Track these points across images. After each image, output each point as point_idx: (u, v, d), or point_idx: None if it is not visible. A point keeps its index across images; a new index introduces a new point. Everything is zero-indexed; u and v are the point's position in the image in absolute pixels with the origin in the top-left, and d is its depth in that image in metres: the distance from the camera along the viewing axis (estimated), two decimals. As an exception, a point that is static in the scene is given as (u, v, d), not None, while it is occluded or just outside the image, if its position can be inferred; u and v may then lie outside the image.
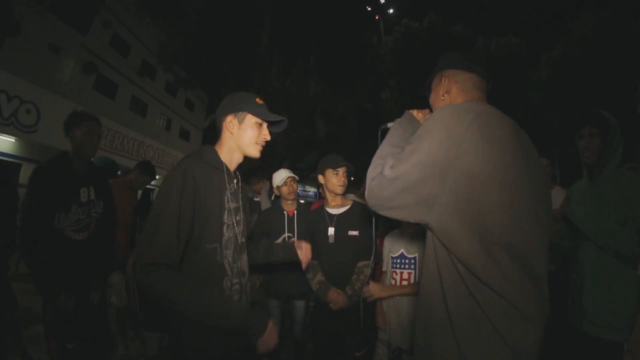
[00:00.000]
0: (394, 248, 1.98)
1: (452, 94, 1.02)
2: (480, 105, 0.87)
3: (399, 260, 1.96)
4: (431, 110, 1.11)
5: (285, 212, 2.36)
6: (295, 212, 2.37)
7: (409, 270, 1.92)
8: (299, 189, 3.58)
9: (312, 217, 2.16)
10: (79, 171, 1.86)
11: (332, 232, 1.99)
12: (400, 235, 2.01)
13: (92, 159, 2.00)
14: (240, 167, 1.29)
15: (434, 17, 15.45)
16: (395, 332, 1.91)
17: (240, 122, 1.20)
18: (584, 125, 1.47)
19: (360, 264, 1.94)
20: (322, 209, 2.11)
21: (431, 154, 0.80)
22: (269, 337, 1.04)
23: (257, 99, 1.22)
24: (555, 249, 1.57)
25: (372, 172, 0.91)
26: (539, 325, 0.81)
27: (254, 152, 1.22)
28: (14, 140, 8.58)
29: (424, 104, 1.18)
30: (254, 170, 3.53)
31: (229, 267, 1.13)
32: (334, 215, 2.04)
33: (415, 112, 1.13)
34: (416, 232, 1.94)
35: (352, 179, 3.49)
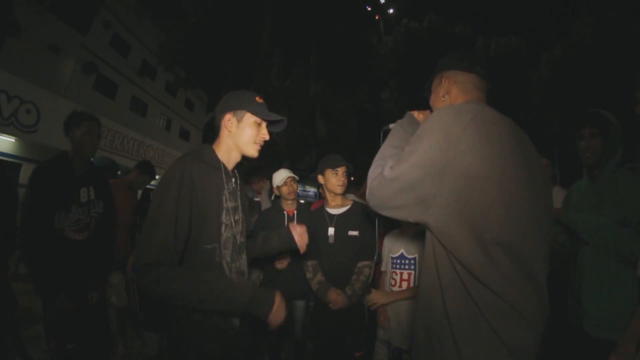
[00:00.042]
0: (393, 248, 1.98)
1: (453, 94, 1.02)
2: (477, 105, 0.87)
3: (398, 261, 1.96)
4: (432, 111, 1.11)
5: (285, 212, 2.36)
6: (295, 212, 2.37)
7: (409, 271, 1.91)
8: (299, 189, 3.58)
9: (312, 217, 2.16)
10: (79, 171, 1.86)
11: (332, 232, 1.99)
12: (400, 235, 2.01)
13: (91, 159, 2.00)
14: (240, 166, 1.28)
15: (434, 17, 15.43)
16: (394, 333, 1.91)
17: (239, 120, 1.18)
18: (585, 125, 1.47)
19: (360, 264, 1.94)
20: (322, 209, 2.11)
21: (429, 154, 0.80)
22: (278, 311, 1.03)
23: (257, 98, 1.21)
24: (555, 253, 1.57)
25: (373, 172, 0.92)
26: (538, 326, 0.81)
27: (252, 151, 1.21)
28: (14, 140, 8.57)
29: (424, 103, 1.18)
30: (255, 170, 3.53)
31: (228, 267, 1.12)
32: (334, 215, 2.04)
33: (416, 113, 1.14)
34: (416, 233, 1.94)
35: (352, 179, 3.49)
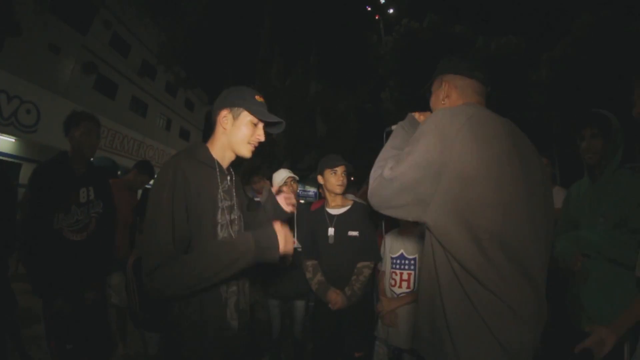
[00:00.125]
0: (393, 248, 1.98)
1: (452, 98, 1.04)
2: (473, 108, 0.89)
3: (398, 261, 1.96)
4: (432, 113, 1.13)
5: (285, 212, 2.36)
6: (295, 212, 2.37)
7: (409, 271, 1.91)
8: (299, 189, 3.58)
9: (312, 217, 2.16)
10: (79, 171, 1.86)
11: (332, 233, 1.99)
12: (399, 235, 2.01)
13: (91, 159, 2.00)
14: (240, 166, 1.25)
15: (434, 17, 15.45)
16: (394, 333, 1.90)
17: (235, 118, 1.13)
18: (585, 126, 1.47)
19: (359, 264, 1.94)
20: (322, 209, 2.11)
21: (426, 155, 0.83)
22: (286, 243, 1.03)
23: (257, 97, 1.16)
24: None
25: (374, 173, 0.94)
26: (535, 326, 0.82)
27: (245, 151, 1.16)
28: (14, 140, 8.58)
29: (424, 103, 1.19)
30: (255, 170, 3.53)
31: None
32: (334, 215, 2.04)
33: (417, 115, 1.15)
34: (417, 233, 1.94)
35: (352, 179, 3.49)
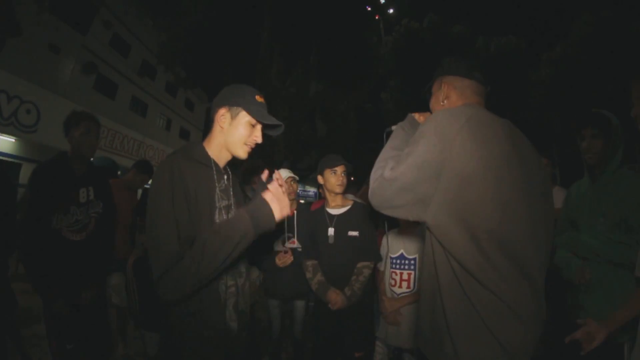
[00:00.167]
0: (393, 248, 1.98)
1: (452, 99, 1.05)
2: (472, 108, 0.90)
3: (398, 261, 1.96)
4: (432, 114, 1.13)
5: (285, 212, 2.36)
6: (295, 212, 2.37)
7: (409, 271, 1.91)
8: (299, 189, 3.58)
9: (312, 217, 2.16)
10: (78, 171, 1.86)
11: (332, 233, 1.99)
12: (399, 235, 2.01)
13: (91, 159, 2.00)
14: (240, 166, 1.23)
15: (434, 17, 15.46)
16: (395, 333, 1.90)
17: (233, 117, 1.10)
18: (586, 126, 1.46)
19: (359, 264, 1.94)
20: (322, 209, 2.11)
21: (426, 155, 0.84)
22: (282, 206, 1.02)
23: (258, 97, 1.13)
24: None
25: (374, 174, 0.95)
26: (534, 325, 0.83)
27: (241, 152, 1.12)
28: (14, 140, 8.58)
29: (423, 103, 1.20)
30: (255, 169, 3.53)
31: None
32: (334, 215, 2.04)
33: (417, 115, 1.16)
34: (417, 233, 1.94)
35: (352, 179, 3.49)
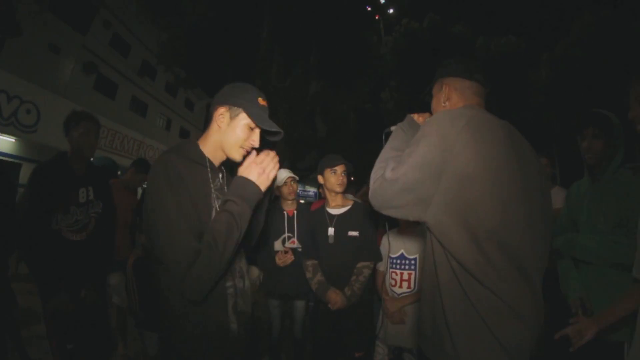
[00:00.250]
0: (393, 248, 1.98)
1: (453, 101, 1.06)
2: (473, 110, 0.91)
3: (398, 261, 1.96)
4: (431, 114, 1.15)
5: (285, 212, 2.36)
6: (295, 212, 2.37)
7: (409, 271, 1.91)
8: (299, 189, 3.58)
9: (313, 217, 2.16)
10: (78, 172, 1.86)
11: (332, 233, 1.99)
12: (399, 235, 2.01)
13: (91, 159, 2.00)
14: (240, 165, 1.19)
15: (434, 17, 15.47)
16: (394, 333, 1.90)
17: (232, 118, 1.06)
18: (587, 126, 1.46)
19: (359, 264, 1.94)
20: (322, 209, 2.11)
21: (427, 156, 0.85)
22: (262, 168, 1.00)
23: (260, 99, 1.09)
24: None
25: (375, 174, 0.96)
26: (532, 324, 0.84)
27: (236, 155, 1.08)
28: (14, 140, 8.58)
29: (423, 103, 1.20)
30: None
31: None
32: (334, 215, 2.04)
33: (416, 116, 1.17)
34: (417, 233, 1.94)
35: (352, 179, 3.49)
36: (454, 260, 0.85)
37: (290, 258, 2.20)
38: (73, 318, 1.74)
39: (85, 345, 1.83)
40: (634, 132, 1.02)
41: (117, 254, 2.21)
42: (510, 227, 0.82)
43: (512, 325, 0.81)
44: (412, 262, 1.92)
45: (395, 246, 1.98)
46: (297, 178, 2.44)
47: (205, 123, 1.21)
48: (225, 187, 1.14)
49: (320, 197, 3.27)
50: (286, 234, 2.31)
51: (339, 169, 2.01)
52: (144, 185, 3.03)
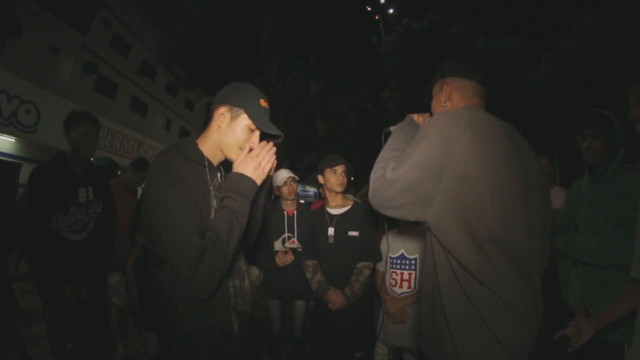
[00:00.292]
0: (393, 248, 1.98)
1: (454, 101, 1.06)
2: (474, 111, 0.92)
3: (398, 261, 1.96)
4: (431, 114, 1.15)
5: (285, 212, 2.36)
6: (295, 212, 2.37)
7: (410, 271, 1.91)
8: (299, 189, 3.58)
9: (313, 217, 2.16)
10: (78, 172, 1.86)
11: (332, 233, 1.99)
12: (399, 235, 2.01)
13: (91, 159, 2.00)
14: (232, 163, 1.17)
15: (434, 17, 15.48)
16: (394, 333, 1.90)
17: (233, 118, 1.05)
18: (587, 126, 1.46)
19: (359, 264, 1.94)
20: (322, 209, 2.11)
21: (427, 156, 0.85)
22: (258, 161, 0.99)
23: (262, 100, 1.08)
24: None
25: (375, 174, 0.95)
26: (532, 323, 0.85)
27: (235, 156, 1.06)
28: (14, 140, 8.58)
29: (423, 104, 1.20)
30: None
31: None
32: (334, 215, 2.04)
33: (415, 116, 1.17)
34: (417, 233, 1.94)
35: (352, 179, 3.49)
36: (454, 260, 0.85)
37: (290, 258, 2.21)
38: (73, 318, 1.74)
39: (85, 345, 1.84)
40: (634, 132, 1.02)
41: (117, 254, 2.21)
42: (510, 227, 0.82)
43: (511, 324, 0.81)
44: (413, 262, 1.91)
45: (395, 246, 1.98)
46: (297, 178, 2.44)
47: (205, 122, 1.20)
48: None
49: (320, 197, 3.27)
50: (286, 234, 2.31)
51: (339, 169, 2.01)
52: (144, 185, 3.03)
